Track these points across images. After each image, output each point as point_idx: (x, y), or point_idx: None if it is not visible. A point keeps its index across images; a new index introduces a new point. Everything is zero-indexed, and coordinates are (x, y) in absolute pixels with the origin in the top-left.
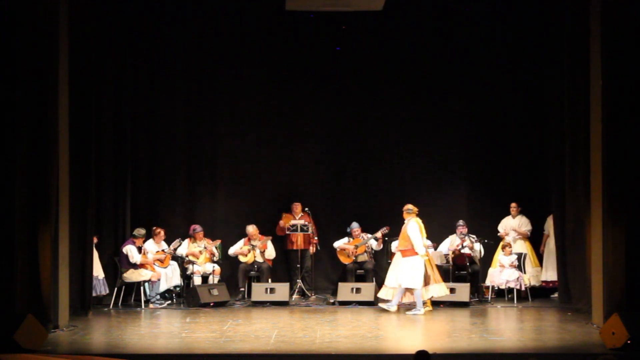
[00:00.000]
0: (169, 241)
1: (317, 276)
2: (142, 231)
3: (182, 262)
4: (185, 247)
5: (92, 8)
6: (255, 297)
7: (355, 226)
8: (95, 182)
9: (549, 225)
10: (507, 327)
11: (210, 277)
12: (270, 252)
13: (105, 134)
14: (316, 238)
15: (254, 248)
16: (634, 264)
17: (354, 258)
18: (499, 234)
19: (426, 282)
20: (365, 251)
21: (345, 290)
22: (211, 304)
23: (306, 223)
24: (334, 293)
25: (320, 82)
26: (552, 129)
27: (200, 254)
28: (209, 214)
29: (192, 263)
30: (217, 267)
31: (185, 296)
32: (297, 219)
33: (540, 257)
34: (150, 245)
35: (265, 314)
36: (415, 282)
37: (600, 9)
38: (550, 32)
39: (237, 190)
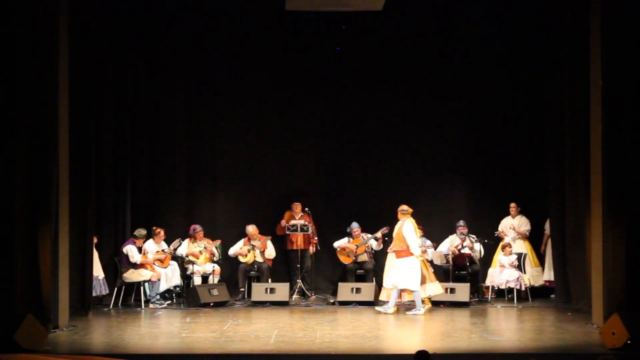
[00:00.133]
0: (169, 241)
1: (317, 276)
2: (143, 232)
3: (182, 262)
4: (185, 247)
5: (92, 8)
6: (255, 297)
7: (355, 226)
8: (95, 182)
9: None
10: (507, 327)
11: (210, 277)
12: (270, 252)
13: (105, 134)
14: (316, 238)
15: (254, 248)
16: (634, 264)
17: (354, 258)
18: (496, 234)
19: (422, 281)
20: (365, 251)
21: (345, 290)
22: (211, 304)
23: (306, 223)
24: (334, 293)
25: (320, 82)
26: (552, 129)
27: (200, 254)
28: (209, 214)
29: (192, 263)
30: (217, 267)
31: (185, 296)
32: (297, 219)
33: (540, 257)
34: (150, 245)
35: (265, 314)
36: (413, 283)
37: (600, 9)
38: (550, 32)
39: (237, 190)
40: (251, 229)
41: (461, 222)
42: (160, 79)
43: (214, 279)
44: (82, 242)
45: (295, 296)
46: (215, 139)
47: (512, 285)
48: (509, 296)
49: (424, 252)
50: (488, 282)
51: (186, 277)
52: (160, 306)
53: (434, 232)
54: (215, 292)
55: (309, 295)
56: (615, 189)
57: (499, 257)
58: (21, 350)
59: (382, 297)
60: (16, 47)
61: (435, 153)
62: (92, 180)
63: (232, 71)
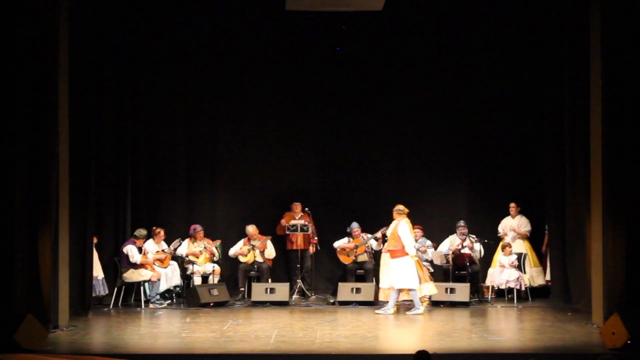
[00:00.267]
0: (169, 241)
1: (317, 276)
2: (144, 232)
3: (182, 262)
4: (185, 247)
5: (92, 8)
6: (255, 297)
7: (355, 226)
8: (95, 182)
9: None
10: (507, 327)
11: (210, 277)
12: (270, 252)
13: (105, 133)
14: (316, 238)
15: (254, 248)
16: (634, 264)
17: (354, 258)
18: (499, 234)
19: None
20: (365, 251)
21: (345, 290)
22: (211, 304)
23: (306, 223)
24: (334, 293)
25: (320, 82)
26: (552, 128)
27: (201, 254)
28: (209, 214)
29: (192, 263)
30: (217, 267)
31: (185, 296)
32: (297, 218)
33: (540, 257)
34: (150, 245)
35: (265, 314)
36: (411, 282)
37: (600, 9)
38: (550, 32)
39: (236, 190)
40: (251, 229)
41: (461, 222)
42: (160, 79)
43: (214, 279)
44: (82, 242)
45: (295, 296)
46: (215, 139)
47: (512, 285)
48: (509, 296)
49: (424, 252)
50: (488, 282)
51: (186, 277)
52: (160, 306)
53: (434, 232)
54: (215, 292)
55: (309, 295)
56: (615, 189)
57: (499, 257)
58: (21, 350)
59: (380, 297)
60: (16, 47)
61: (435, 153)
62: (92, 180)
63: (232, 71)
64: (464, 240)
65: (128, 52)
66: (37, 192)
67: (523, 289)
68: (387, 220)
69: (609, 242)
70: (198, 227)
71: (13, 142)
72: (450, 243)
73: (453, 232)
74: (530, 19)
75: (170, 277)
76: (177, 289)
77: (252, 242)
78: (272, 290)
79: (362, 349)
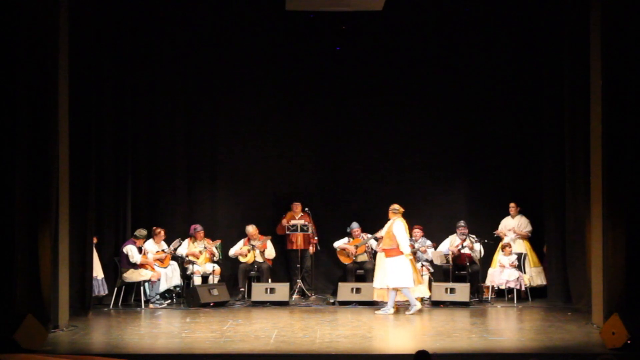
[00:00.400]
0: (169, 241)
1: (317, 276)
2: (144, 232)
3: (182, 262)
4: (185, 247)
5: (92, 8)
6: (255, 297)
7: (355, 226)
8: (95, 182)
9: None
10: (507, 327)
11: (210, 277)
12: (270, 252)
13: (105, 133)
14: (316, 238)
15: (254, 248)
16: (634, 264)
17: (354, 258)
18: (495, 234)
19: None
20: (365, 251)
21: (345, 290)
22: (211, 304)
23: (306, 223)
24: (334, 293)
25: (320, 82)
26: (551, 129)
27: (201, 254)
28: (209, 214)
29: (192, 263)
30: (217, 267)
31: (185, 296)
32: (297, 218)
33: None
34: (150, 245)
35: (265, 314)
36: (405, 281)
37: (600, 9)
38: (550, 32)
39: (237, 190)
40: (251, 229)
41: (462, 222)
42: (160, 79)
43: (214, 279)
44: (82, 242)
45: (295, 296)
46: (215, 139)
47: (512, 285)
48: (509, 296)
49: (424, 252)
50: (488, 282)
51: (186, 277)
52: (160, 306)
53: (434, 232)
54: (215, 292)
55: (309, 295)
56: (615, 189)
57: (499, 257)
58: (21, 350)
59: (374, 297)
60: (16, 47)
61: (435, 153)
62: (92, 180)
63: (232, 71)
64: (464, 240)
65: (128, 52)
66: (37, 192)
67: (523, 289)
68: (387, 220)
69: (609, 242)
70: (198, 227)
71: (13, 142)
72: (450, 243)
73: (453, 232)
74: (530, 19)
75: (170, 277)
76: (177, 289)
77: (252, 242)
78: (272, 290)
79: (362, 349)
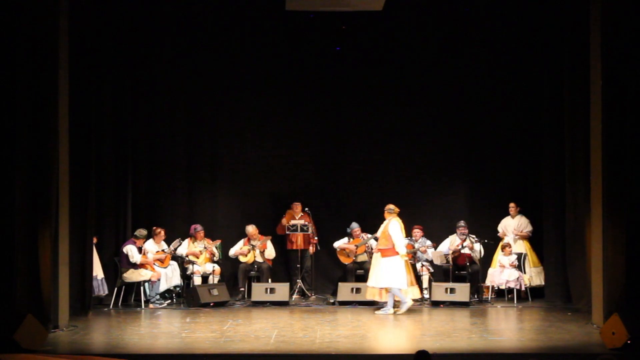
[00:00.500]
0: (169, 241)
1: (317, 276)
2: (144, 232)
3: (182, 262)
4: (185, 247)
5: (92, 8)
6: (255, 297)
7: (355, 226)
8: (95, 182)
9: None
10: (507, 327)
11: (210, 277)
12: (270, 252)
13: (105, 134)
14: (316, 238)
15: (254, 248)
16: (633, 264)
17: (354, 258)
18: (498, 234)
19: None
20: (365, 251)
21: (345, 290)
22: (211, 304)
23: (306, 223)
24: (334, 293)
25: (320, 82)
26: (551, 129)
27: (201, 253)
28: (209, 214)
29: (192, 263)
30: (217, 267)
31: (185, 296)
32: (297, 218)
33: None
34: (150, 245)
35: (265, 314)
36: (399, 281)
37: (600, 9)
38: (550, 33)
39: (237, 190)
40: (251, 229)
41: (462, 223)
42: (160, 79)
43: (214, 279)
44: (82, 242)
45: (295, 296)
46: (215, 139)
47: (512, 285)
48: (509, 296)
49: (424, 252)
50: (488, 282)
51: (186, 277)
52: (160, 306)
53: (434, 232)
54: (215, 292)
55: (309, 295)
56: (615, 189)
57: (499, 257)
58: (21, 350)
59: (367, 296)
60: (16, 47)
61: (435, 153)
62: (92, 180)
63: (232, 71)
64: (464, 240)
65: (128, 52)
66: (37, 192)
67: (523, 289)
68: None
69: (609, 242)
70: (198, 227)
71: (13, 142)
72: (450, 243)
73: (453, 232)
74: (530, 19)
75: (170, 277)
76: (177, 289)
77: (252, 242)
78: (272, 290)
79: (362, 349)
